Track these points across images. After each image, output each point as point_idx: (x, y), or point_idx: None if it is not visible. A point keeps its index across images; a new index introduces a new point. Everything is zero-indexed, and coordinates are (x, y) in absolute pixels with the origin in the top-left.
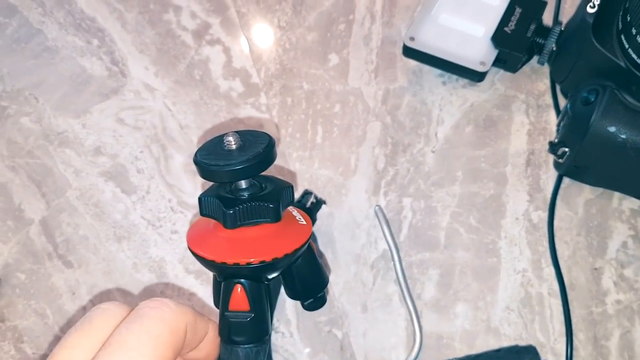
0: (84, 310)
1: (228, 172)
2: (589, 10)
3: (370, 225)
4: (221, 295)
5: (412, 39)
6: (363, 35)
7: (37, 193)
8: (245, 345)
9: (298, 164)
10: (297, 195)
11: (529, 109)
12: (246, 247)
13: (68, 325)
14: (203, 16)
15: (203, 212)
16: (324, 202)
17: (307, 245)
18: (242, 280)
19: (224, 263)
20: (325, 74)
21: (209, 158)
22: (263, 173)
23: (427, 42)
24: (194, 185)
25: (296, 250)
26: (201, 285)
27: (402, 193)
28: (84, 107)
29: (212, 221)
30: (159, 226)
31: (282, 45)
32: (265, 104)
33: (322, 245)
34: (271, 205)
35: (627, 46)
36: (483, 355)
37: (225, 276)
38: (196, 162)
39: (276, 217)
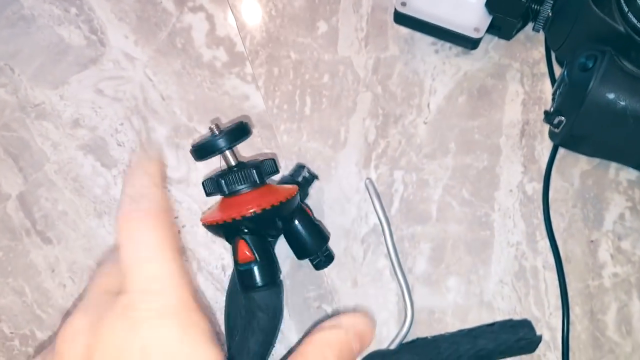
0: (63, 288)
1: (206, 144)
2: None
3: (360, 199)
4: (232, 254)
5: (403, 4)
6: (353, 2)
7: (14, 167)
8: (259, 290)
9: (286, 136)
10: (289, 168)
11: (524, 77)
12: (239, 205)
13: (48, 303)
14: None
15: (206, 192)
16: (317, 177)
17: (295, 202)
18: (244, 235)
19: (224, 221)
20: (313, 43)
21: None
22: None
23: (420, 8)
24: (177, 159)
25: (282, 203)
26: (185, 262)
27: (393, 166)
28: (62, 78)
29: (218, 201)
30: None
31: (268, 12)
32: (250, 73)
33: None
34: (253, 170)
35: (626, 10)
36: (476, 330)
37: (229, 235)
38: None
39: (259, 180)
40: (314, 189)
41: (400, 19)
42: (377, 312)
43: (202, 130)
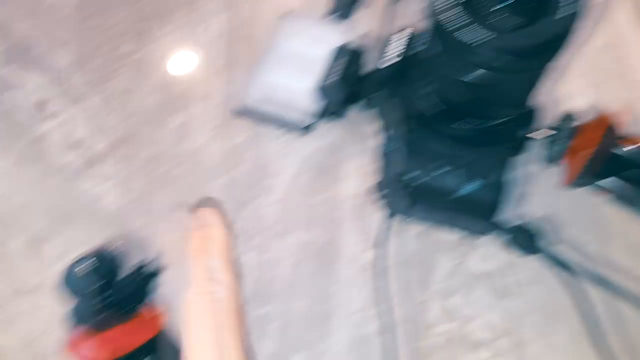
0: None
1: (86, 296)
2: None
3: None
4: None
5: (244, 98)
6: (202, 95)
7: None
8: None
9: (143, 231)
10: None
11: (359, 153)
12: (114, 343)
13: None
14: (41, 92)
15: (76, 323)
16: (158, 273)
17: (154, 338)
18: None
19: None
20: (167, 137)
21: (74, 282)
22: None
23: (257, 101)
24: (32, 269)
25: (144, 345)
26: None
27: (246, 248)
28: None
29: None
30: None
31: (122, 112)
32: (106, 173)
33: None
34: (125, 311)
35: (412, 97)
36: None
37: None
38: (65, 285)
39: (129, 319)
40: (170, 282)
41: (241, 112)
42: None
43: (58, 237)
